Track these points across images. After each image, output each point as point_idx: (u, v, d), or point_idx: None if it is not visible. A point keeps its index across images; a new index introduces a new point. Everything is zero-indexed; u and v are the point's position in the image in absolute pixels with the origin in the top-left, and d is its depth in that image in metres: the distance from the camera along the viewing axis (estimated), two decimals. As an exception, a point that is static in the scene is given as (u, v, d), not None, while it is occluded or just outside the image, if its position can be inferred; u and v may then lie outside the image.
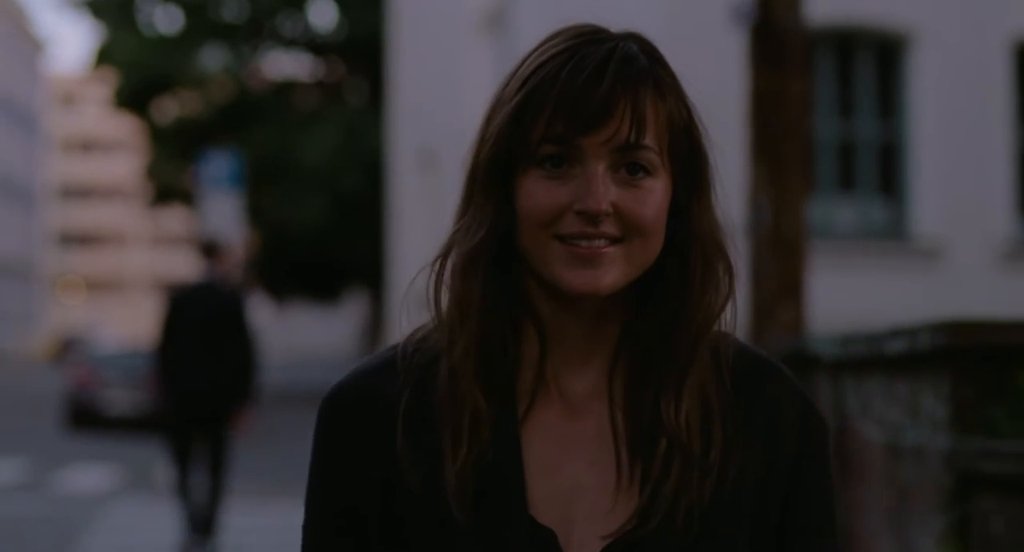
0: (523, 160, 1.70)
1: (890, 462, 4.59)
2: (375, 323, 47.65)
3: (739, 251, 1.80)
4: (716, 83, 8.48)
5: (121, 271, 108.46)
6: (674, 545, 1.69)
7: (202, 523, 11.46)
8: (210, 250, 11.79)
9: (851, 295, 18.32)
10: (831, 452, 1.80)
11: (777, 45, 7.08)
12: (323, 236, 40.16)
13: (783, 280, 7.05)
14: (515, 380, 1.73)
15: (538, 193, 1.69)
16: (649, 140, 1.70)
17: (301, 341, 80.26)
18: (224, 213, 26.57)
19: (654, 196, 1.70)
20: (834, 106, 20.37)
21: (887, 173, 20.43)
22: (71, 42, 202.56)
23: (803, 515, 1.76)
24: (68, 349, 71.58)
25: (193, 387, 11.19)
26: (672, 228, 1.72)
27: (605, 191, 1.67)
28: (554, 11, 20.31)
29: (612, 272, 1.68)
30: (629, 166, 1.69)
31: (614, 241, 1.68)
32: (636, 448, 1.72)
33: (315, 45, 45.20)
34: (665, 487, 1.70)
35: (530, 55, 1.75)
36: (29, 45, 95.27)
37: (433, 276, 1.76)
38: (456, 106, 26.88)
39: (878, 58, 20.54)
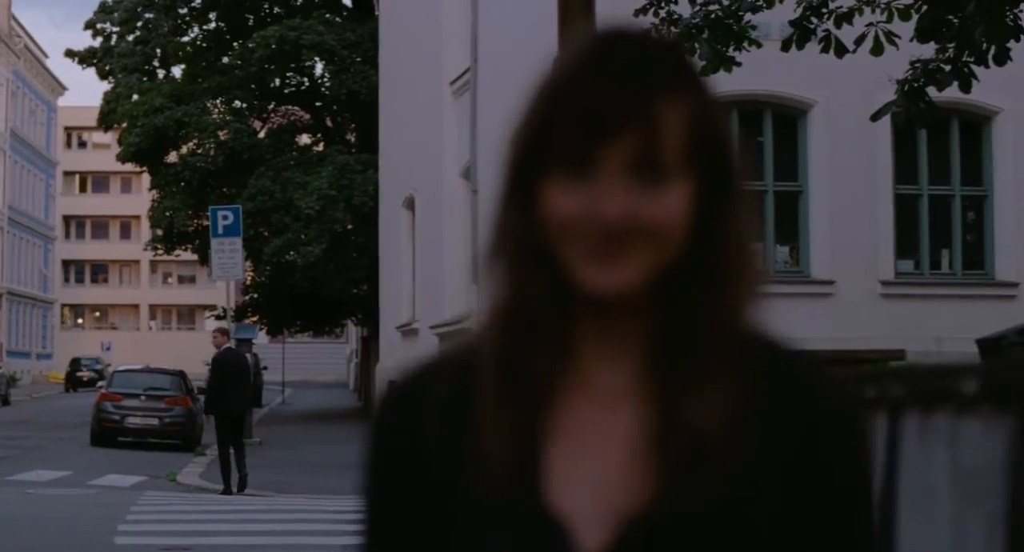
0: (542, 166, 1.62)
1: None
2: (366, 352, 49.80)
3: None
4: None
5: (127, 303, 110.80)
6: (689, 534, 1.60)
7: (231, 475, 22.02)
8: (228, 334, 23.60)
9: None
10: (868, 446, 1.70)
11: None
12: (320, 273, 40.97)
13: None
14: (547, 370, 1.66)
15: (555, 201, 1.61)
16: (668, 145, 1.59)
17: (301, 368, 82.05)
18: (227, 257, 28.99)
19: (673, 201, 1.60)
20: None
21: (788, 221, 22.17)
22: (83, 83, 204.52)
23: (832, 510, 1.65)
24: (81, 376, 74.73)
25: (236, 406, 22.35)
26: (697, 231, 1.63)
27: (621, 199, 1.59)
28: (507, 83, 23.41)
29: (630, 274, 1.60)
30: (648, 171, 1.59)
31: (633, 245, 1.60)
32: (660, 442, 1.63)
33: (313, 99, 47.08)
34: (684, 479, 1.61)
35: (559, 58, 1.67)
36: (44, 85, 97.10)
37: (479, 275, 1.71)
38: (435, 157, 29.08)
39: (780, 125, 22.39)
